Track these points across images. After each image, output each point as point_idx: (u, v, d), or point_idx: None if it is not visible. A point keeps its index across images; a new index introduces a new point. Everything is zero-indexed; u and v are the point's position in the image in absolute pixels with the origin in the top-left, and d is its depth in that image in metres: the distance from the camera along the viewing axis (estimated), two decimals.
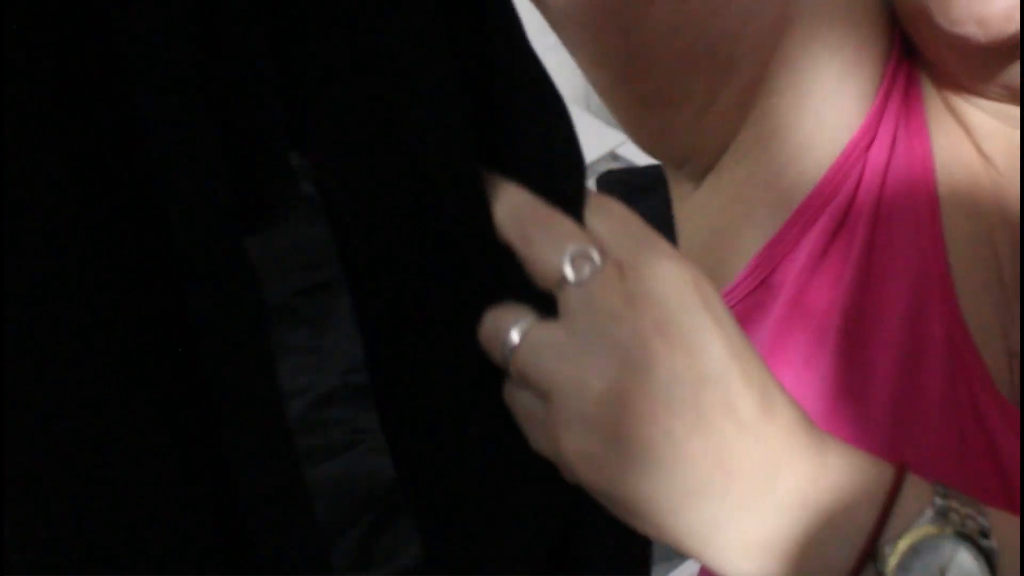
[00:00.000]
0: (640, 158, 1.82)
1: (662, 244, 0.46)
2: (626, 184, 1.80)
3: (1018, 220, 0.66)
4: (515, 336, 0.44)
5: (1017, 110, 0.66)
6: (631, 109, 0.70)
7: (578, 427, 0.43)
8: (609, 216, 0.46)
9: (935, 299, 0.65)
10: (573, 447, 0.43)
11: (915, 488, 0.45)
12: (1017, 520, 0.46)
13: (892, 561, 0.43)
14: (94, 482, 0.38)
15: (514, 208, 0.44)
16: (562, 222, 0.45)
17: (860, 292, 0.65)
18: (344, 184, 0.42)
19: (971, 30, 0.60)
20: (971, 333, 0.64)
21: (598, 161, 1.92)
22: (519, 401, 0.45)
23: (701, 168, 0.70)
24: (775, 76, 0.66)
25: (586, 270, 0.44)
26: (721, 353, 0.43)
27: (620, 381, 0.43)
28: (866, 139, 0.67)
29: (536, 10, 0.64)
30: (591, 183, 1.74)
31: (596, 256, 0.44)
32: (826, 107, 0.66)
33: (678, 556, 1.41)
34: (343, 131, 0.41)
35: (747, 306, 0.68)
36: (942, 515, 0.44)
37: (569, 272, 0.44)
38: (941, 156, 0.67)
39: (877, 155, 0.67)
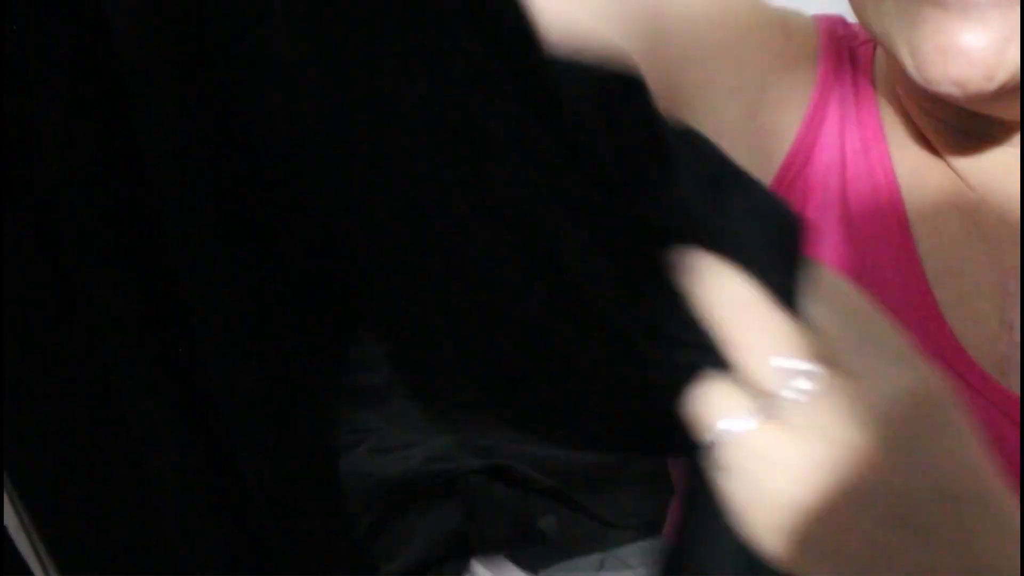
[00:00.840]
0: None
1: (893, 344, 0.41)
2: None
3: (996, 234, 0.66)
4: (730, 429, 0.40)
5: (991, 126, 0.66)
6: None
7: (785, 539, 0.40)
8: (834, 306, 0.41)
9: (920, 317, 0.65)
10: (777, 552, 0.40)
11: None
12: None
13: None
14: (111, 479, 0.38)
15: (728, 302, 0.40)
16: (782, 329, 0.40)
17: None
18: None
19: (949, 90, 0.60)
20: (959, 341, 0.64)
21: None
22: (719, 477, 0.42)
23: None
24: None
25: (808, 386, 0.40)
26: (958, 474, 0.40)
27: (847, 511, 0.39)
28: (800, 159, 0.67)
29: None
30: None
31: (818, 380, 0.40)
32: (737, 145, 0.66)
33: None
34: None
35: None
36: None
37: (788, 390, 0.40)
38: (904, 174, 0.68)
39: (822, 174, 0.67)
